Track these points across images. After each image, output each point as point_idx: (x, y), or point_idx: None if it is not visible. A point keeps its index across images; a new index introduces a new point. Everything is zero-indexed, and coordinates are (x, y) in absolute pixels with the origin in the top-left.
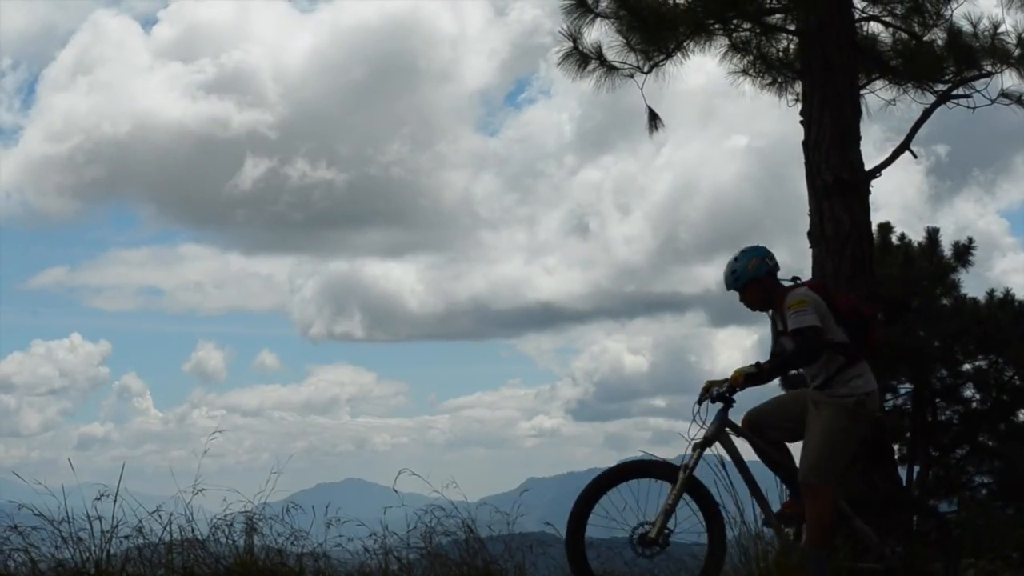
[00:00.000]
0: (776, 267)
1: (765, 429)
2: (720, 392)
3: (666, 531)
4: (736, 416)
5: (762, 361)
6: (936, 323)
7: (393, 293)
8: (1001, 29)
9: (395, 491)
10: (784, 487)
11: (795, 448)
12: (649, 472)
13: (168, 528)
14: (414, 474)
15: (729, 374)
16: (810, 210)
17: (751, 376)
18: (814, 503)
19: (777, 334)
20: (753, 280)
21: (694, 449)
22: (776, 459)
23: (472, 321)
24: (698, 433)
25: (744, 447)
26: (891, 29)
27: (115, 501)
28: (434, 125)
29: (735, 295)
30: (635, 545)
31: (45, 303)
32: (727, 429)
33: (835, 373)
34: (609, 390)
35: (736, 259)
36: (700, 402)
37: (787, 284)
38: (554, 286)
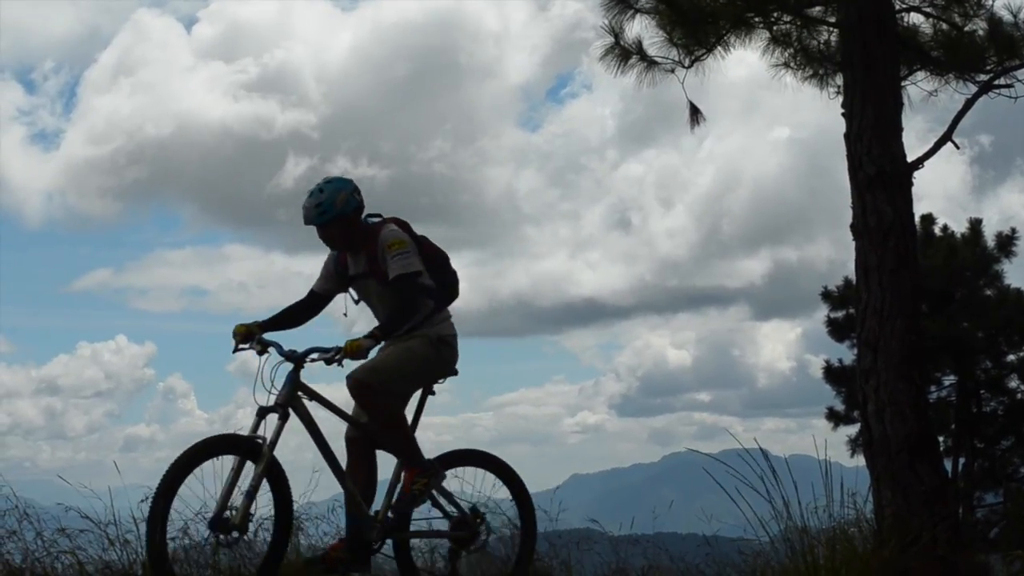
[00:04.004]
0: (363, 203)
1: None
2: (294, 352)
3: (250, 516)
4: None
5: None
6: (980, 314)
7: None
8: None
9: None
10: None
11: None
12: (231, 448)
13: None
14: (456, 476)
15: (773, 367)
16: (852, 202)
17: (370, 347)
18: (370, 402)
19: (350, 277)
20: (340, 216)
21: (259, 415)
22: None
23: (516, 318)
24: (268, 398)
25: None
26: (932, 20)
27: None
28: (476, 121)
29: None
30: (214, 530)
31: (90, 305)
32: (300, 393)
33: (422, 321)
34: (653, 385)
35: (321, 190)
36: (235, 351)
37: (372, 221)
38: (597, 281)
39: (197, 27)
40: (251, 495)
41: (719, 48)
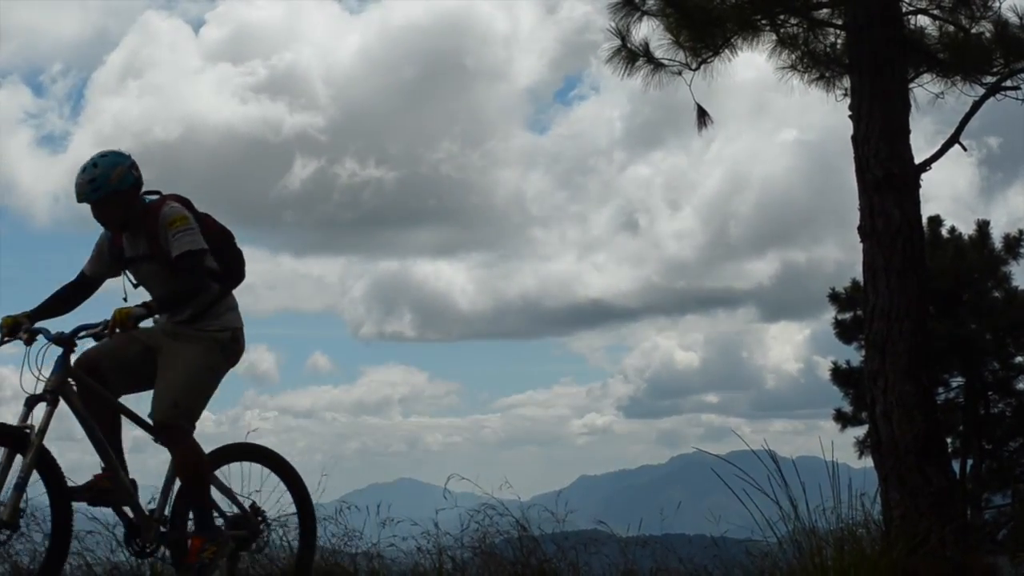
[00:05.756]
0: (141, 180)
1: (106, 375)
2: (62, 334)
3: (21, 511)
4: None
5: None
6: (987, 316)
7: (443, 292)
8: None
9: (446, 494)
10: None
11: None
12: None
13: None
14: (463, 478)
15: (781, 368)
16: (860, 204)
17: (141, 317)
18: (178, 445)
19: (127, 259)
20: (116, 192)
21: (27, 405)
22: (107, 413)
23: (523, 319)
24: (37, 384)
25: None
26: (939, 22)
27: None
28: (484, 123)
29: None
30: None
31: (99, 308)
32: (71, 379)
33: (208, 306)
34: (661, 387)
35: (95, 164)
36: (2, 342)
37: (150, 200)
38: (604, 283)
39: (205, 29)
40: (20, 488)
41: (726, 51)
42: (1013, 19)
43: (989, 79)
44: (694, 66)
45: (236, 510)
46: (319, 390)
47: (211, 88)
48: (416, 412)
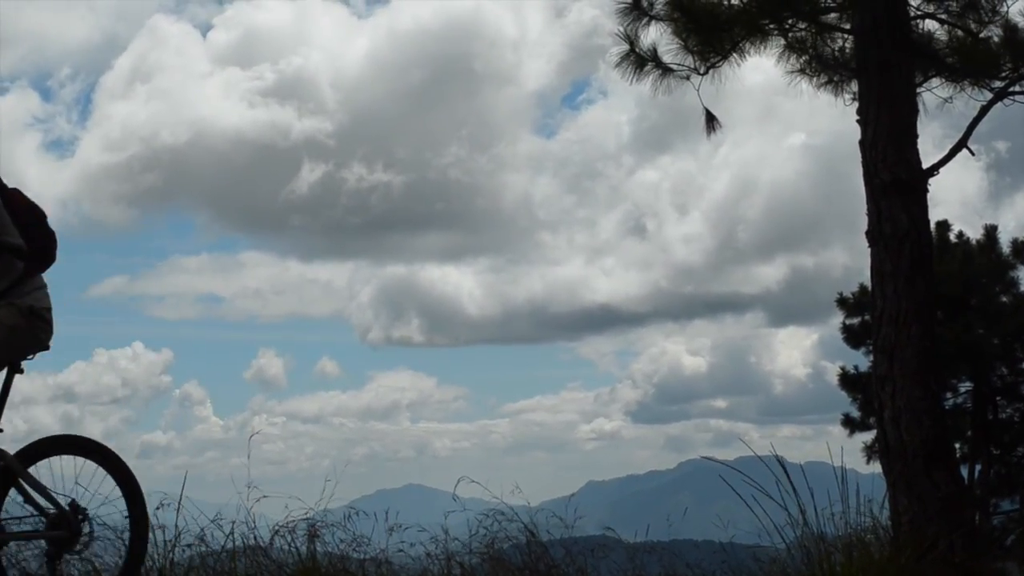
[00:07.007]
0: None
1: None
2: None
3: None
4: None
5: None
6: (995, 321)
7: (451, 297)
8: None
9: (455, 498)
10: None
11: None
12: None
13: (231, 536)
14: (473, 481)
15: (789, 374)
16: (868, 209)
17: None
18: None
19: None
20: None
21: None
22: None
23: (531, 324)
24: None
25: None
26: (947, 26)
27: (177, 510)
28: (492, 127)
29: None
30: None
31: (106, 312)
32: None
33: (10, 285)
34: (669, 392)
35: None
36: None
37: None
38: (612, 288)
39: (213, 33)
40: None
41: (734, 55)
42: (1022, 23)
43: (997, 83)
44: (702, 71)
45: (54, 509)
46: (327, 395)
47: (219, 92)
48: (424, 417)
